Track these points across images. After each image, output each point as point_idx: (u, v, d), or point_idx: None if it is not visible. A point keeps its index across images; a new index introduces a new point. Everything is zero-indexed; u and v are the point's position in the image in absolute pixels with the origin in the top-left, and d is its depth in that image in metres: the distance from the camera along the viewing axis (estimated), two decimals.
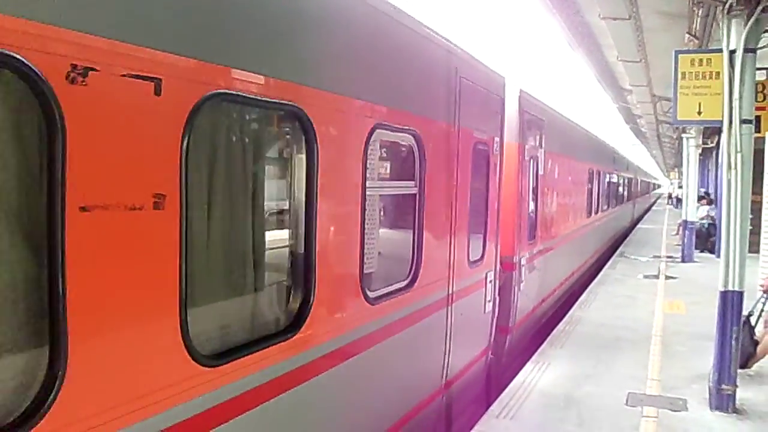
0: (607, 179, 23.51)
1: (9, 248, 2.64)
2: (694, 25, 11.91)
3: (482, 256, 8.18)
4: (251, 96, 3.74)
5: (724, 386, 7.42)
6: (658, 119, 28.74)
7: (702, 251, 22.25)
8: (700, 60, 7.84)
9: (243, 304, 4.17)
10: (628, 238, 29.25)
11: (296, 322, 4.30)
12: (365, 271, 5.18)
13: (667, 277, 17.51)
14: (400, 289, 5.86)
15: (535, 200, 11.47)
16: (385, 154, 5.84)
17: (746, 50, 7.05)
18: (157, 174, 3.13)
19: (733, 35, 7.13)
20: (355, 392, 5.24)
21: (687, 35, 12.30)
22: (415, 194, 6.05)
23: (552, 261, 13.08)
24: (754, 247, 9.11)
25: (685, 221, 21.60)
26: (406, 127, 5.78)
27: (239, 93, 3.63)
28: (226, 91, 3.53)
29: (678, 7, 12.13)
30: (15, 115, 2.64)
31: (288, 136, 4.45)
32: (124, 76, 2.88)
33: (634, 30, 14.33)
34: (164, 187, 3.13)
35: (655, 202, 77.94)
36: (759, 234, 10.13)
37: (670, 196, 73.52)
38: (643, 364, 9.29)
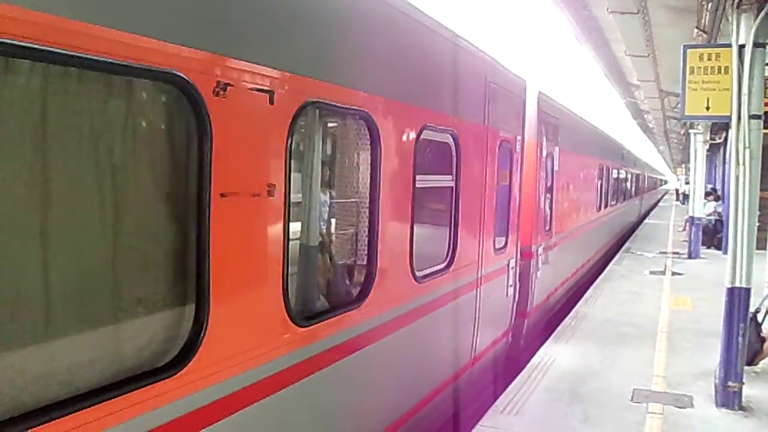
0: (616, 175, 24.30)
1: (168, 226, 3.43)
2: (703, 20, 11.84)
3: (505, 245, 9.03)
4: (334, 104, 4.59)
5: (730, 383, 7.38)
6: (666, 115, 28.66)
7: (709, 247, 22.18)
8: (709, 55, 7.78)
9: (324, 275, 5.11)
10: (634, 234, 29.14)
11: (363, 293, 5.13)
12: (414, 253, 5.92)
13: (674, 274, 17.44)
14: (439, 270, 6.66)
15: (551, 194, 12.13)
16: (428, 152, 6.42)
17: (756, 45, 7.00)
18: (270, 167, 3.94)
19: (743, 30, 7.07)
20: (405, 358, 6.11)
21: (696, 30, 12.23)
22: (452, 187, 6.91)
23: (564, 252, 13.73)
24: (762, 243, 9.03)
25: (692, 217, 21.51)
26: (447, 128, 6.61)
27: (326, 101, 4.48)
28: (318, 99, 4.36)
29: (686, 2, 12.09)
30: (175, 121, 3.43)
31: (360, 136, 5.25)
32: (249, 89, 3.70)
33: (642, 24, 14.27)
34: (275, 178, 3.93)
35: (661, 198, 77.70)
36: (766, 230, 10.07)
37: (677, 193, 73.18)
38: (649, 360, 9.25)
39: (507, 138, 8.73)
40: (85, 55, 2.71)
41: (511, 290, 9.45)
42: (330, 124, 5.25)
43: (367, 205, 5.18)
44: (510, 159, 9.05)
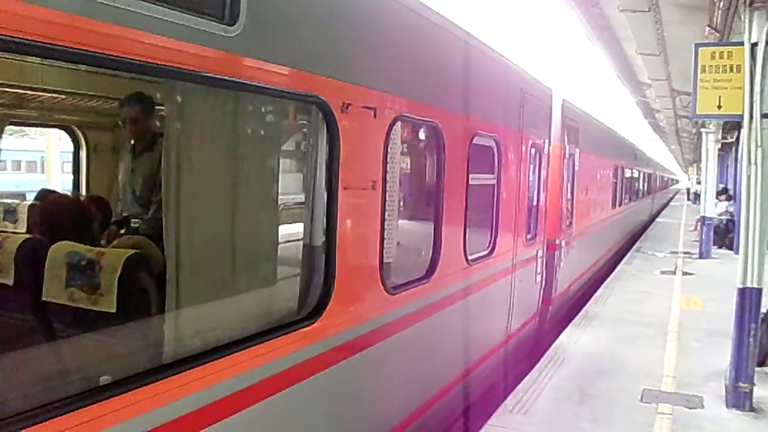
0: (629, 175, 25.58)
1: (311, 211, 4.58)
2: (715, 18, 11.76)
3: (535, 236, 10.14)
4: (413, 116, 5.76)
5: (740, 384, 7.33)
6: (677, 114, 28.53)
7: (720, 247, 22.04)
8: (721, 53, 7.72)
9: (402, 253, 6.06)
10: (645, 234, 29.03)
11: (431, 270, 6.22)
12: (466, 240, 7.03)
13: (684, 273, 17.35)
14: (484, 256, 7.72)
15: (572, 192, 13.18)
16: (477, 154, 7.34)
17: None
18: (374, 167, 5.07)
19: (755, 28, 7.02)
20: (460, 327, 7.26)
21: (707, 28, 12.15)
22: (494, 184, 8.05)
23: (582, 247, 14.84)
24: None
25: (703, 217, 21.40)
26: (491, 134, 7.77)
27: (410, 115, 5.68)
28: (405, 114, 5.53)
29: (698, 0, 12.00)
30: (315, 132, 4.56)
31: (433, 143, 6.42)
32: (362, 107, 4.81)
33: (653, 22, 14.19)
34: (376, 176, 5.08)
35: (673, 197, 77.41)
36: None
37: (688, 192, 72.72)
38: (659, 360, 9.21)
39: (537, 142, 9.89)
40: (267, 86, 3.96)
41: (539, 278, 10.61)
42: (412, 134, 6.68)
43: (434, 198, 6.39)
44: (539, 160, 10.25)
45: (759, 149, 7.02)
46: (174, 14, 3.17)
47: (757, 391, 7.49)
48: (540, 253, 10.52)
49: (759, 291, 7.25)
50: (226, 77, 3.58)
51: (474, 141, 7.06)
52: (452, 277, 6.74)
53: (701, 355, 9.44)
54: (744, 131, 7.20)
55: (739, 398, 7.35)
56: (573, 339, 10.25)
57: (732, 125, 21.24)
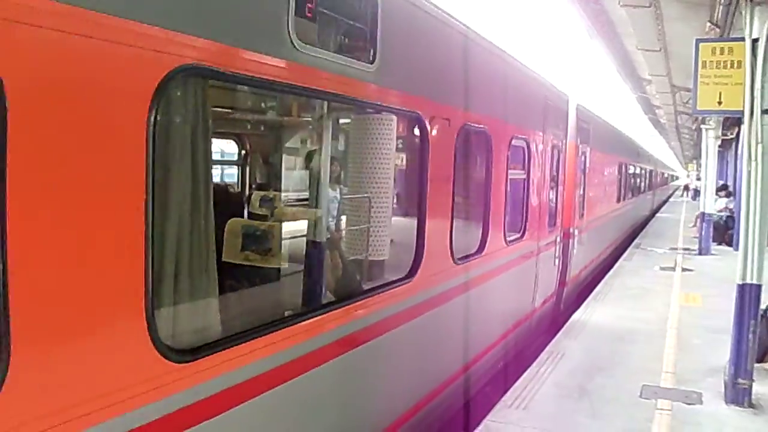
0: (632, 171, 27.09)
1: (412, 198, 6.17)
2: (716, 14, 11.74)
3: (555, 224, 11.62)
4: (473, 124, 7.13)
5: (740, 380, 7.33)
6: (677, 110, 28.51)
7: (719, 244, 22.02)
8: (722, 49, 7.72)
9: (460, 233, 7.07)
10: (645, 230, 29.02)
11: (481, 247, 7.74)
12: (505, 224, 8.58)
13: (684, 270, 17.35)
14: (517, 238, 9.24)
15: (583, 186, 14.50)
16: (513, 154, 8.77)
17: None
18: (447, 165, 6.50)
19: (756, 23, 6.99)
20: (499, 298, 8.84)
21: (708, 24, 12.14)
22: (524, 179, 9.49)
23: (591, 236, 16.12)
24: None
25: (703, 213, 21.39)
26: (522, 137, 9.15)
27: (473, 124, 7.10)
28: (469, 123, 6.94)
29: None
30: (412, 139, 6.45)
31: (484, 146, 7.80)
32: (443, 119, 6.26)
33: (654, 18, 14.18)
34: (449, 171, 6.54)
35: (673, 193, 77.48)
36: None
37: (686, 188, 72.52)
38: (658, 356, 9.21)
39: (556, 142, 11.34)
40: (391, 106, 5.64)
41: (557, 261, 12.05)
42: (473, 139, 7.66)
43: (485, 189, 7.85)
44: (558, 158, 11.65)
45: (759, 145, 7.00)
46: (343, 58, 4.73)
47: (756, 388, 7.49)
48: (558, 239, 11.96)
49: (758, 287, 7.25)
50: (368, 101, 5.34)
51: (512, 143, 8.58)
52: (497, 253, 8.31)
53: (700, 352, 9.44)
54: (744, 127, 7.18)
55: (738, 394, 7.35)
56: (573, 334, 10.25)
57: (732, 121, 21.21)
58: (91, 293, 2.94)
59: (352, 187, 6.15)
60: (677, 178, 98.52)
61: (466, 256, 7.30)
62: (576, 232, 13.62)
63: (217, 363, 3.63)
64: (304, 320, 4.54)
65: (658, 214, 40.43)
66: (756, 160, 7.04)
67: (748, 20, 7.09)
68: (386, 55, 5.19)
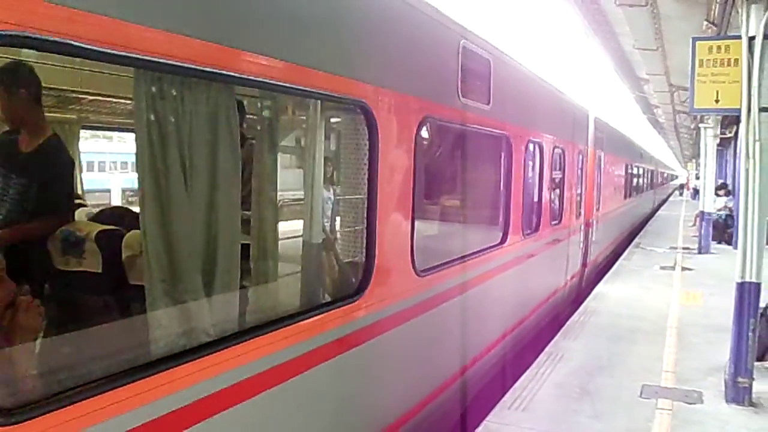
0: (636, 172, 29.76)
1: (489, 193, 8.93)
2: (713, 12, 11.74)
3: (580, 214, 14.39)
4: (537, 140, 9.66)
5: (740, 379, 7.31)
6: (676, 109, 28.51)
7: (719, 242, 22.02)
8: (719, 47, 7.69)
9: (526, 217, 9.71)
10: (644, 230, 29.05)
11: (537, 227, 10.34)
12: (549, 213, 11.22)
13: (684, 269, 17.34)
14: (558, 222, 12.02)
15: (599, 185, 17.17)
16: (552, 158, 11.31)
17: (766, 36, 6.90)
18: (518, 168, 8.82)
19: (753, 21, 6.98)
20: (538, 276, 10.99)
21: (705, 22, 12.13)
22: (561, 178, 12.15)
23: (605, 227, 18.72)
24: None
25: (703, 212, 21.38)
26: (561, 146, 11.68)
27: (535, 140, 9.65)
28: (532, 139, 9.37)
29: None
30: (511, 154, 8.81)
31: (539, 154, 10.33)
32: (535, 142, 9.76)
33: (651, 17, 14.18)
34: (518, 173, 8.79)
35: (672, 192, 77.72)
36: None
37: (682, 187, 72.47)
38: (659, 355, 9.19)
39: (581, 149, 14.08)
40: (496, 131, 8.30)
41: (582, 244, 14.73)
42: (534, 150, 10.12)
43: (539, 187, 10.53)
44: (582, 161, 14.40)
45: (757, 143, 6.98)
46: (477, 105, 7.14)
47: (757, 386, 7.46)
48: (582, 228, 14.67)
49: (758, 285, 7.23)
50: (486, 129, 7.75)
51: (554, 151, 11.24)
52: (545, 232, 10.88)
53: (701, 351, 9.42)
54: (742, 125, 7.17)
55: (739, 393, 7.33)
56: (573, 335, 10.23)
57: (730, 120, 21.20)
58: None
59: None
60: (677, 177, 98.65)
61: (530, 233, 9.90)
62: (594, 222, 16.33)
63: None
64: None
65: (659, 212, 41.95)
66: (754, 157, 7.03)
67: (744, 18, 7.08)
68: (495, 100, 7.62)
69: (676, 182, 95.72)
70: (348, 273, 5.49)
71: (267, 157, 4.39)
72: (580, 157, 14.03)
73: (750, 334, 7.24)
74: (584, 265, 15.19)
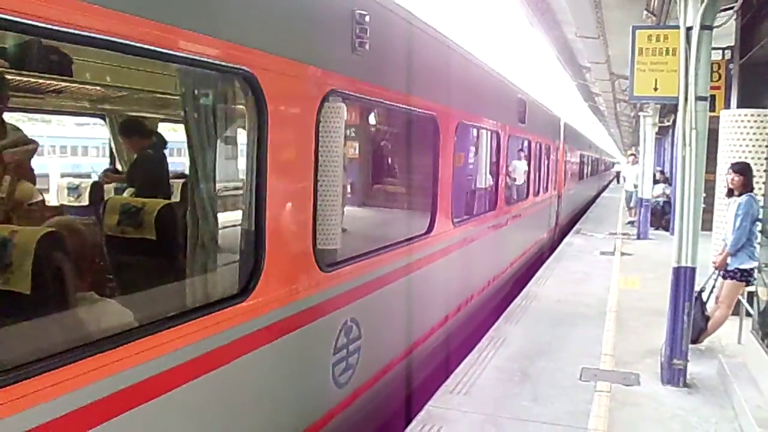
0: (587, 160, 38.73)
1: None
2: (652, 2, 11.94)
3: (555, 187, 20.73)
4: (542, 142, 17.28)
5: (675, 361, 7.50)
6: (616, 98, 28.96)
7: (657, 229, 22.55)
8: (658, 36, 7.86)
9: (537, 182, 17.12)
10: (585, 215, 29.62)
11: (535, 193, 16.85)
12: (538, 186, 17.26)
13: (623, 254, 17.71)
14: (547, 191, 18.90)
15: (564, 169, 24.05)
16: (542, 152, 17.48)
17: (702, 27, 7.04)
18: (550, 165, 18.94)
19: (690, 12, 7.10)
20: (533, 225, 17.06)
21: (645, 12, 12.34)
22: (547, 165, 18.48)
23: (568, 199, 25.83)
24: (707, 224, 9.19)
25: (641, 199, 21.85)
26: (549, 144, 18.40)
27: (540, 142, 16.94)
28: (539, 142, 16.88)
29: None
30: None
31: (544, 151, 18.02)
32: (558, 148, 21.20)
33: (592, 6, 14.32)
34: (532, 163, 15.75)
35: (614, 178, 79.43)
36: (712, 212, 10.24)
37: (618, 175, 74.01)
38: (598, 339, 9.37)
39: (557, 144, 20.84)
40: (531, 138, 16.31)
41: (555, 209, 21.52)
42: (543, 151, 17.93)
43: (548, 168, 18.68)
44: (557, 153, 21.15)
45: (694, 131, 7.13)
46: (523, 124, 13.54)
47: (691, 368, 7.68)
48: (555, 197, 21.43)
49: (693, 270, 7.41)
50: (520, 136, 13.84)
51: (551, 152, 18.80)
52: (541, 197, 17.39)
53: (638, 334, 9.64)
54: (679, 114, 7.31)
55: (674, 375, 7.52)
56: (514, 319, 10.35)
57: (669, 109, 21.67)
58: None
59: None
60: (618, 163, 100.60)
61: (538, 193, 16.92)
62: (562, 194, 23.27)
63: None
64: None
65: (603, 194, 50.95)
66: (690, 145, 7.18)
67: (682, 8, 7.20)
68: (529, 120, 13.52)
69: (617, 168, 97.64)
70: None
71: None
72: (555, 149, 20.39)
73: (685, 317, 7.42)
74: (556, 224, 22.04)
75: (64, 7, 2.89)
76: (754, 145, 9.70)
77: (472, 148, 11.98)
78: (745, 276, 8.45)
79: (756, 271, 8.30)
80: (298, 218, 4.89)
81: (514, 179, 14.69)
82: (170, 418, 3.71)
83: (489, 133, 11.55)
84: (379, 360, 6.57)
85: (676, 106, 7.52)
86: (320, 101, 5.00)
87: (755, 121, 9.68)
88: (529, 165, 15.29)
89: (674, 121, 20.89)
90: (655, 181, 23.23)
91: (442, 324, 8.70)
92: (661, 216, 23.06)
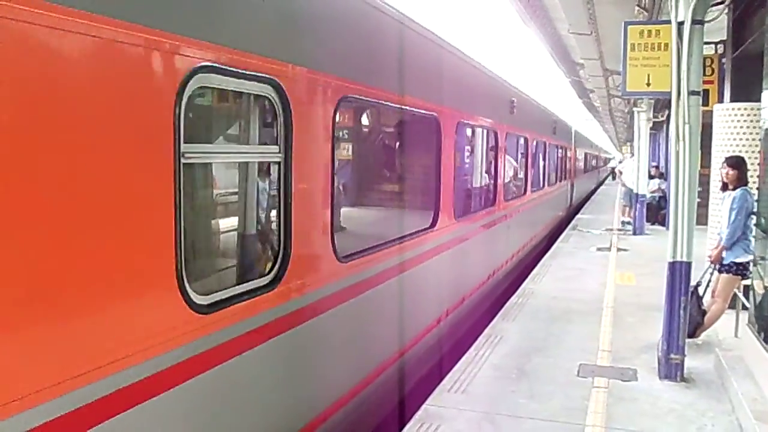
0: (589, 157, 47.09)
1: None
2: None
3: (570, 177, 28.84)
4: (557, 145, 23.25)
5: (672, 356, 7.50)
6: (610, 93, 29.04)
7: (653, 224, 22.59)
8: (649, 31, 7.85)
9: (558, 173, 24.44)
10: (582, 210, 29.81)
11: (550, 184, 21.59)
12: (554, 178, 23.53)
13: (619, 250, 17.74)
14: (565, 182, 26.78)
15: (574, 164, 31.56)
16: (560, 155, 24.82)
17: (694, 22, 7.05)
18: (563, 162, 26.91)
19: (681, 7, 7.10)
20: (547, 209, 21.16)
21: (637, 8, 12.35)
22: (565, 161, 26.37)
23: (577, 186, 33.44)
24: (702, 219, 9.19)
25: (637, 194, 21.87)
26: (566, 146, 26.37)
27: (552, 143, 21.88)
28: (557, 145, 23.53)
29: None
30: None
31: (563, 155, 26.42)
32: (574, 149, 31.29)
33: (584, 2, 14.33)
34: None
35: (610, 173, 79.87)
36: (707, 206, 10.25)
37: (612, 171, 74.23)
38: (595, 335, 9.37)
39: (570, 146, 27.66)
40: (559, 146, 25.06)
41: (568, 193, 28.39)
42: (559, 153, 25.23)
43: (570, 166, 28.95)
44: (572, 154, 29.27)
45: (687, 126, 7.14)
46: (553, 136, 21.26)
47: (688, 362, 7.69)
48: (570, 184, 28.33)
49: (688, 264, 7.41)
50: (555, 144, 22.30)
51: (568, 153, 27.19)
52: (557, 185, 23.59)
53: (635, 329, 9.65)
54: (672, 108, 7.31)
55: (671, 369, 7.52)
56: (511, 315, 10.35)
57: (662, 104, 21.69)
58: None
59: None
60: (613, 158, 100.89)
61: (557, 182, 23.17)
62: (574, 182, 30.69)
63: None
64: None
65: (601, 187, 56.75)
66: (683, 140, 7.18)
67: (673, 4, 7.20)
68: (555, 131, 21.50)
69: (613, 164, 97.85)
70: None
71: None
72: (569, 151, 27.42)
73: (681, 312, 7.42)
74: (570, 204, 29.29)
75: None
76: (747, 139, 9.71)
77: (542, 158, 19.15)
78: (740, 269, 8.45)
79: (751, 264, 8.30)
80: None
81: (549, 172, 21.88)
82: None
83: (544, 144, 19.20)
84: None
85: (669, 101, 7.52)
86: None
87: (748, 115, 9.68)
88: (557, 162, 23.70)
89: (668, 116, 20.87)
90: (651, 177, 23.25)
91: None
92: (656, 211, 23.09)
